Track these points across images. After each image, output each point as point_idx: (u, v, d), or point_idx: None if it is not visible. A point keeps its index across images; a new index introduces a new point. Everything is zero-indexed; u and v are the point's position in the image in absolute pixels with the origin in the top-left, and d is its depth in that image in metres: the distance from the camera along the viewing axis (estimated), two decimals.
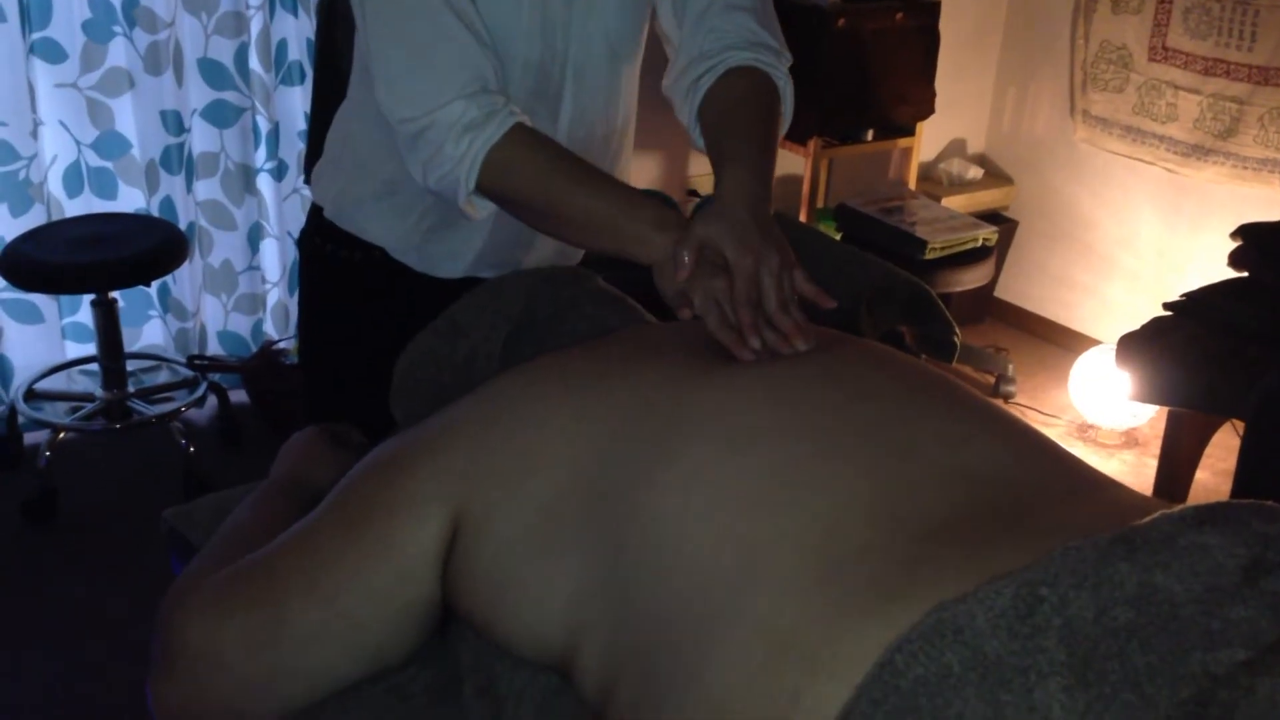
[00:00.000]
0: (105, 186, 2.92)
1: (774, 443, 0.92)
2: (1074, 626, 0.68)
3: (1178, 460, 2.62)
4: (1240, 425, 2.35)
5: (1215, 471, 3.01)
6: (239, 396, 3.13)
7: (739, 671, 0.79)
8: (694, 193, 3.44)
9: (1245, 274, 2.57)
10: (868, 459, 0.89)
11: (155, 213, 2.95)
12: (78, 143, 2.86)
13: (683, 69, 1.38)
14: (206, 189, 3.04)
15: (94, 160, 2.89)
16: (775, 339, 1.07)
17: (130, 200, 2.95)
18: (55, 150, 2.85)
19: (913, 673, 0.70)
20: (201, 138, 2.99)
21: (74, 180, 2.89)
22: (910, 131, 3.51)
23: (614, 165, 1.54)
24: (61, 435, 2.83)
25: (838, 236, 3.33)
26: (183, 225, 2.98)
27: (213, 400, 3.09)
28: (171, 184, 2.96)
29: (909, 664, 0.70)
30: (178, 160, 2.94)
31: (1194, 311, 2.51)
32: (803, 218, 3.44)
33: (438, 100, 1.23)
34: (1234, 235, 2.60)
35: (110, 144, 2.89)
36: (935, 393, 1.02)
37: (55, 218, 2.85)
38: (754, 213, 1.16)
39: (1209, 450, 2.67)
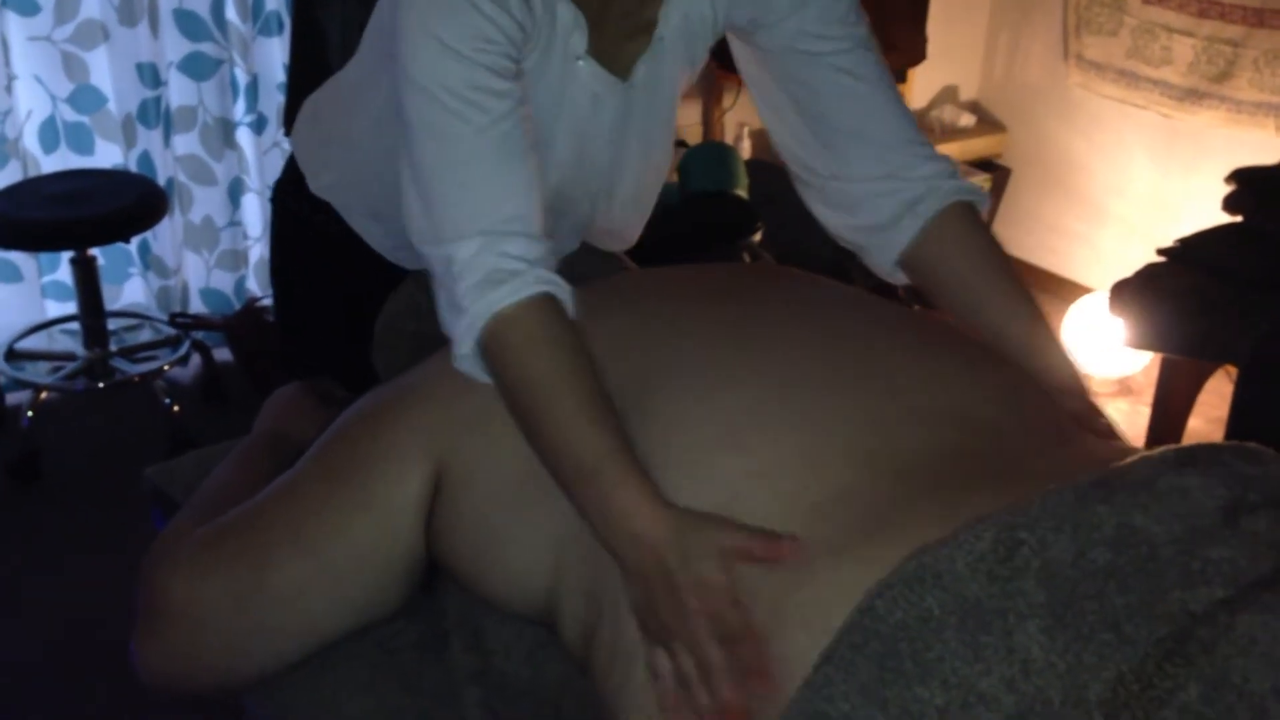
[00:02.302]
0: (82, 142, 2.88)
1: (750, 385, 0.91)
2: (1053, 569, 0.68)
3: (1171, 408, 2.61)
4: (1234, 371, 2.33)
5: (1209, 419, 3.00)
6: (222, 354, 3.11)
7: None
8: (681, 144, 3.40)
9: (1240, 219, 2.54)
10: (847, 399, 0.88)
11: (133, 168, 2.91)
12: (53, 97, 2.81)
13: (870, 196, 1.17)
14: (185, 143, 3.00)
15: (70, 115, 2.85)
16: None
17: (107, 156, 2.90)
18: (30, 105, 2.80)
19: (893, 617, 0.69)
20: (179, 91, 2.94)
21: (50, 136, 2.84)
22: (901, 79, 3.46)
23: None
24: (44, 395, 2.81)
25: None
26: (161, 181, 2.94)
27: (196, 358, 3.07)
28: (149, 138, 2.92)
29: (890, 609, 0.70)
30: (155, 114, 2.90)
31: (1188, 257, 2.48)
32: None
33: (477, 247, 0.99)
34: (1229, 179, 2.57)
35: (86, 98, 2.84)
36: (918, 335, 1.00)
37: (31, 174, 2.81)
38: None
39: (1202, 397, 2.66)
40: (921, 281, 1.19)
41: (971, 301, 1.16)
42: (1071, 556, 0.68)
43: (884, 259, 1.19)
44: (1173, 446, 0.76)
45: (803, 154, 1.22)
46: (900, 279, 1.21)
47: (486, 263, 0.98)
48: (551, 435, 0.92)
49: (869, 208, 1.17)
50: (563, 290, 0.99)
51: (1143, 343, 2.50)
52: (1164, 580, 0.66)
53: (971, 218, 1.18)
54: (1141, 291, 2.47)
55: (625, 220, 1.39)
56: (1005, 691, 0.64)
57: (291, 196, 1.48)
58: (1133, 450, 0.83)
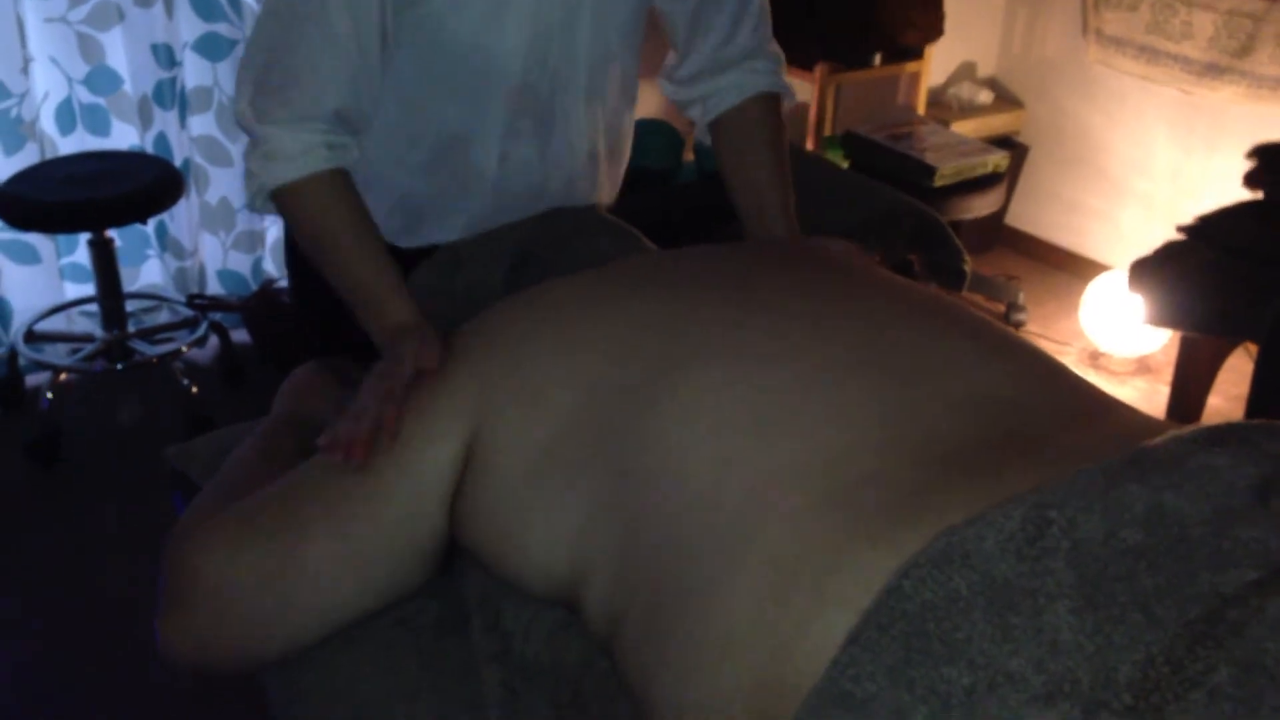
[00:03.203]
0: (98, 123, 2.88)
1: (777, 369, 0.90)
2: (1082, 549, 0.67)
3: (1190, 386, 2.59)
4: (1254, 349, 2.32)
5: (1228, 397, 2.99)
6: (240, 336, 3.11)
7: (747, 601, 0.78)
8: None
9: (1260, 195, 2.52)
10: (874, 384, 0.87)
11: (150, 149, 2.91)
12: (69, 79, 2.81)
13: (694, 77, 1.45)
14: (201, 124, 3.00)
15: (86, 97, 2.85)
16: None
17: (124, 137, 2.90)
18: (46, 87, 2.80)
19: (920, 597, 0.69)
20: (194, 71, 2.93)
21: (66, 118, 2.85)
22: (918, 55, 3.44)
23: (620, 169, 1.54)
24: (63, 376, 2.82)
25: (845, 164, 3.28)
26: (178, 162, 2.94)
27: (214, 340, 3.08)
28: (165, 119, 2.92)
29: (917, 589, 0.69)
30: (170, 95, 2.90)
31: (1207, 234, 2.46)
32: (809, 146, 3.39)
33: (270, 121, 1.21)
34: (1249, 155, 2.55)
35: (102, 79, 2.84)
36: (943, 318, 1.00)
37: (49, 156, 2.81)
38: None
39: (1221, 375, 2.64)
40: (715, 146, 1.47)
41: (736, 167, 1.43)
42: (1102, 536, 0.67)
43: (700, 124, 1.48)
44: (1203, 425, 0.75)
45: (675, 27, 1.45)
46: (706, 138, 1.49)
47: (283, 141, 1.21)
48: (339, 273, 1.24)
49: (700, 84, 1.45)
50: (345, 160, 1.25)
51: (1162, 320, 2.49)
52: (1194, 561, 0.65)
53: (765, 107, 1.44)
54: (1160, 269, 2.45)
55: (611, 128, 1.45)
56: (1033, 672, 0.63)
57: None
58: (1160, 426, 0.82)
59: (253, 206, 1.27)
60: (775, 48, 1.47)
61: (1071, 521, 0.68)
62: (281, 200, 1.24)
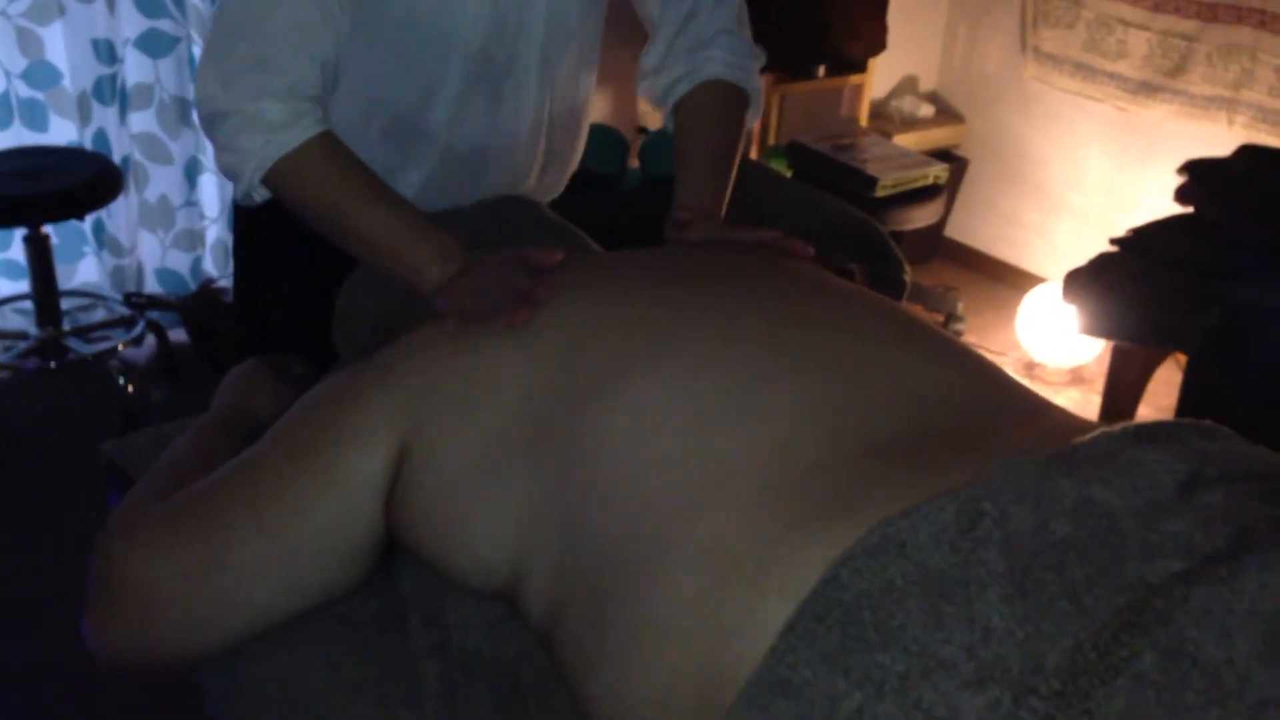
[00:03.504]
0: (36, 118, 2.84)
1: (718, 366, 0.91)
2: (1013, 540, 0.69)
3: (1121, 395, 2.65)
4: (1183, 360, 2.37)
5: (1158, 408, 3.05)
6: (178, 335, 3.07)
7: (686, 594, 0.79)
8: (643, 129, 3.40)
9: (1191, 209, 2.58)
10: (814, 381, 0.88)
11: (88, 146, 2.87)
12: (7, 73, 2.77)
13: (659, 67, 1.44)
14: (141, 121, 2.96)
15: (24, 91, 2.80)
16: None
17: (62, 133, 2.86)
18: None
19: (856, 587, 0.70)
20: (135, 68, 2.90)
21: (3, 111, 2.80)
22: (862, 68, 3.48)
23: (575, 143, 1.54)
24: None
25: (789, 174, 3.31)
26: (117, 159, 2.91)
27: (151, 339, 3.04)
28: (105, 116, 2.88)
29: (853, 579, 0.70)
30: (110, 91, 2.86)
31: (1140, 246, 2.51)
32: (754, 155, 3.42)
33: (253, 96, 1.19)
34: (1180, 170, 2.61)
35: (40, 74, 2.80)
36: (883, 319, 1.01)
37: None
38: None
39: (1151, 387, 2.70)
40: (675, 127, 1.44)
41: (679, 159, 1.40)
42: (1032, 528, 0.69)
43: (665, 107, 1.46)
44: (1133, 422, 0.77)
45: (650, 12, 1.45)
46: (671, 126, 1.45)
47: (270, 114, 1.18)
48: (369, 225, 1.20)
49: (663, 73, 1.44)
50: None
51: (1095, 330, 2.54)
52: (1123, 552, 0.67)
53: (720, 91, 1.42)
54: (1094, 280, 2.50)
55: (564, 98, 1.46)
56: (965, 658, 0.65)
57: None
58: (1092, 426, 0.84)
59: (248, 194, 1.24)
60: (747, 39, 1.46)
61: (1004, 513, 0.70)
62: (282, 175, 1.21)
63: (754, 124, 1.63)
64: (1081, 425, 0.87)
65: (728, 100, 1.43)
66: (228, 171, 1.24)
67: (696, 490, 0.83)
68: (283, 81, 1.19)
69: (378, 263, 1.22)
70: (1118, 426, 0.78)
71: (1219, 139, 3.20)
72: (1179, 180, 2.61)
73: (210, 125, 1.23)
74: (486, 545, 0.97)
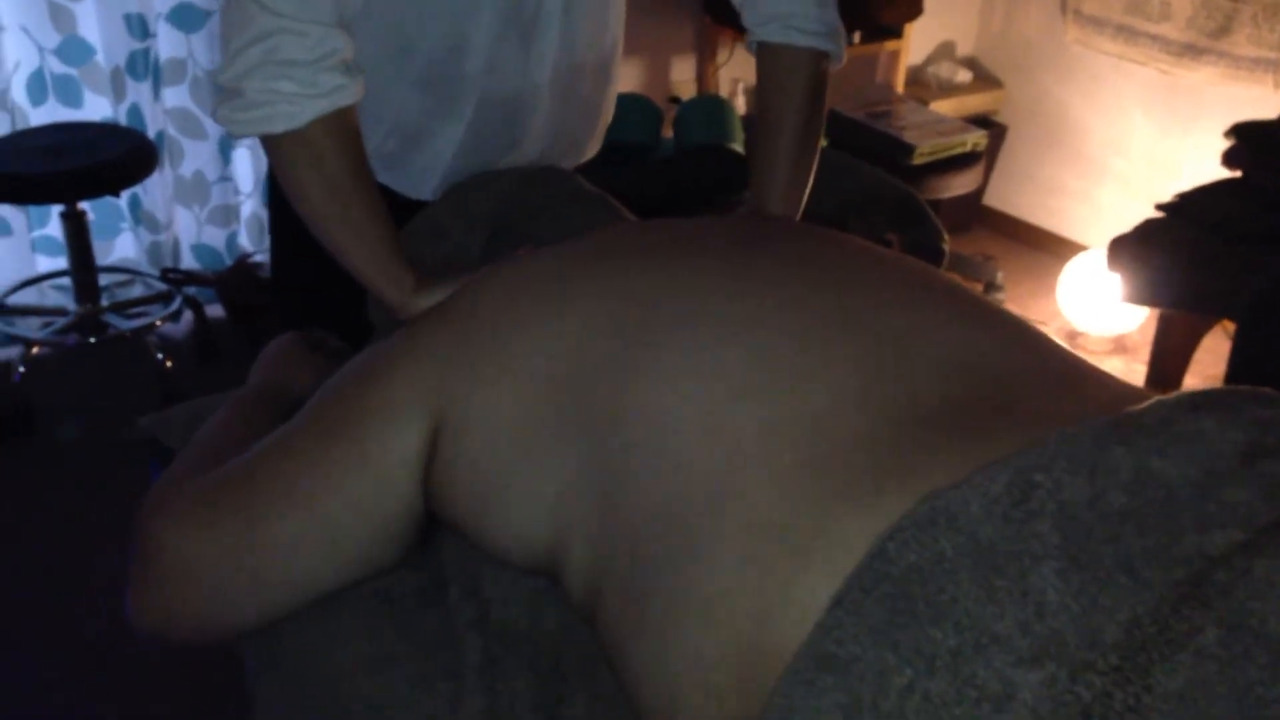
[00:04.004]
0: (70, 94, 2.84)
1: (759, 334, 0.89)
2: (1068, 512, 0.67)
3: (1167, 364, 2.61)
4: (1230, 327, 2.33)
5: (1205, 377, 3.00)
6: (214, 310, 3.09)
7: (728, 565, 0.77)
8: (675, 99, 3.37)
9: (1239, 173, 2.53)
10: (857, 348, 0.87)
11: (123, 121, 2.88)
12: (40, 49, 2.77)
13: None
14: (175, 96, 2.96)
15: (58, 67, 2.81)
16: None
17: (96, 108, 2.87)
18: (17, 57, 2.76)
19: (905, 560, 0.68)
20: (168, 43, 2.90)
21: (38, 88, 2.81)
22: (898, 34, 3.43)
23: (604, 94, 1.51)
24: (35, 350, 2.79)
25: (825, 142, 3.28)
26: (151, 134, 2.91)
27: (188, 314, 3.05)
28: (138, 91, 2.88)
29: (901, 552, 0.69)
30: (144, 66, 2.86)
31: (1186, 211, 2.47)
32: None
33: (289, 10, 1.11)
34: (1228, 134, 2.56)
35: (74, 50, 2.80)
36: (924, 285, 0.99)
37: (20, 127, 2.78)
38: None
39: (1198, 355, 2.65)
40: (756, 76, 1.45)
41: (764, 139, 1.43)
42: (1087, 499, 0.67)
43: (751, 38, 1.45)
44: (1187, 390, 0.75)
45: None
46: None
47: (324, 77, 1.14)
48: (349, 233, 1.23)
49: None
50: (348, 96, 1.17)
51: (1139, 298, 2.50)
52: (1180, 523, 0.65)
53: (812, 64, 1.46)
54: (1139, 246, 2.46)
55: (594, 45, 1.44)
56: (1019, 633, 0.63)
57: None
58: (1142, 394, 0.82)
59: (242, 131, 1.17)
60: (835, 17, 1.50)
61: (1057, 484, 0.68)
62: (283, 141, 1.17)
63: None
64: (1133, 393, 0.85)
65: (815, 84, 1.46)
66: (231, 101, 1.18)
67: (738, 460, 0.81)
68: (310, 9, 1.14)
69: (345, 264, 1.26)
70: (1172, 395, 0.75)
71: (1265, 102, 3.13)
72: (1224, 144, 2.56)
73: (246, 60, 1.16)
74: (525, 520, 0.96)
